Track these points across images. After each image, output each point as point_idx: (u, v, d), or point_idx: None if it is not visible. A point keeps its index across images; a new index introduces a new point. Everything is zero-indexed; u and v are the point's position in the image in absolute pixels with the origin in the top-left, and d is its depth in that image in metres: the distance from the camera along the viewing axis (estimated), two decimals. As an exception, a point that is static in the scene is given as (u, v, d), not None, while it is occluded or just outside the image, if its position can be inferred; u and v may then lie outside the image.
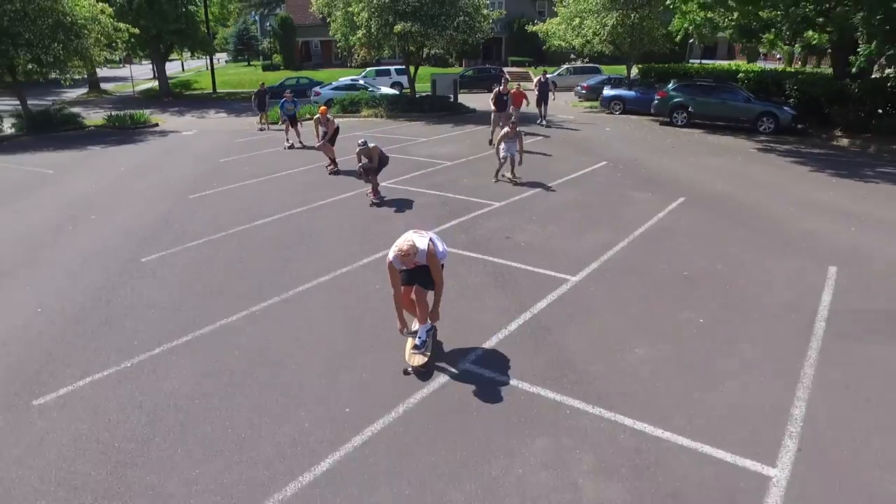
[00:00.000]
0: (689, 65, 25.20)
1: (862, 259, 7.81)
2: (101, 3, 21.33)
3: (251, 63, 60.07)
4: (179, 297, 6.85)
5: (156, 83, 41.42)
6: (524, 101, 17.28)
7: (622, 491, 3.82)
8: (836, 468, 4.00)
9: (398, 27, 19.70)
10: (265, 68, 48.84)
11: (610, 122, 20.79)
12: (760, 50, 23.68)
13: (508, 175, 11.68)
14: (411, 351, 5.19)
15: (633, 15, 21.78)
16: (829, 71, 20.91)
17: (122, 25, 21.62)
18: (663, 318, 6.13)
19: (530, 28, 28.13)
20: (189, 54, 46.82)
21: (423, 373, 5.03)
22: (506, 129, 11.40)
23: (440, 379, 5.04)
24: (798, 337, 5.74)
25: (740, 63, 29.49)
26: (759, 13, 17.70)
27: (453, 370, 5.18)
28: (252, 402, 4.82)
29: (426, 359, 5.12)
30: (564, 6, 24.78)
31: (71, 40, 20.11)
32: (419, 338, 5.19)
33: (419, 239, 5.00)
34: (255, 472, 4.01)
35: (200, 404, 4.80)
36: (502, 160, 11.46)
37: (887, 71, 16.48)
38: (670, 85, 19.96)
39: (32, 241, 9.02)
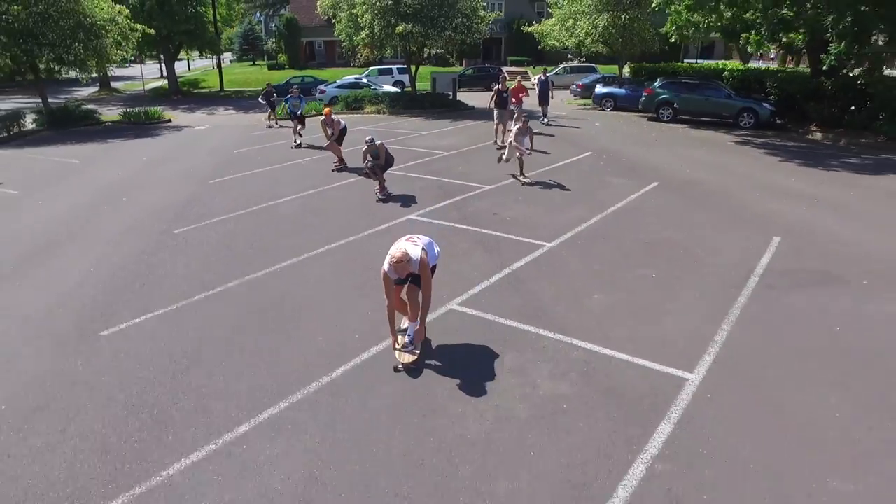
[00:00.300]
0: (679, 64, 26.27)
1: (805, 231, 8.92)
2: (118, 5, 22.48)
3: (256, 63, 61.31)
4: (210, 259, 7.99)
5: (164, 82, 42.67)
6: (524, 94, 17.02)
7: (570, 388, 4.94)
8: (740, 377, 5.12)
9: (400, 28, 20.85)
10: (270, 67, 50.05)
11: (600, 118, 21.91)
12: (749, 50, 24.60)
13: (518, 175, 11.77)
14: (401, 349, 5.33)
15: (623, 16, 22.88)
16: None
17: (138, 26, 22.77)
18: (621, 274, 7.26)
19: (526, 29, 29.23)
20: (197, 54, 47.88)
21: (414, 369, 5.19)
22: (519, 124, 11.55)
23: (433, 314, 6.17)
24: (733, 288, 6.86)
25: (727, 62, 30.52)
26: (741, 16, 18.82)
27: (444, 309, 6.30)
28: (279, 329, 5.96)
29: (415, 357, 5.25)
30: (559, 8, 25.88)
31: (91, 40, 21.27)
32: (408, 335, 5.37)
33: (412, 248, 5.06)
34: (285, 376, 5.14)
35: (238, 331, 5.94)
36: (517, 155, 11.51)
37: (856, 70, 17.49)
38: (657, 83, 21.10)
39: (73, 220, 10.17)
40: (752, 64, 34.92)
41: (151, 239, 8.94)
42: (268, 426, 4.48)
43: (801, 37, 17.73)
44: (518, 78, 19.81)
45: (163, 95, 36.46)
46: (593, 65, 36.07)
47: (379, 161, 10.56)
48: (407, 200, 10.56)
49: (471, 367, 5.26)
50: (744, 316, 6.18)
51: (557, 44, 26.80)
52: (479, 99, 27.36)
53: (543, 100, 20.10)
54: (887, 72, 20.87)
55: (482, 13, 22.46)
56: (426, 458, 4.12)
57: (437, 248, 5.41)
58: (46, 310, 6.59)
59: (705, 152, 15.53)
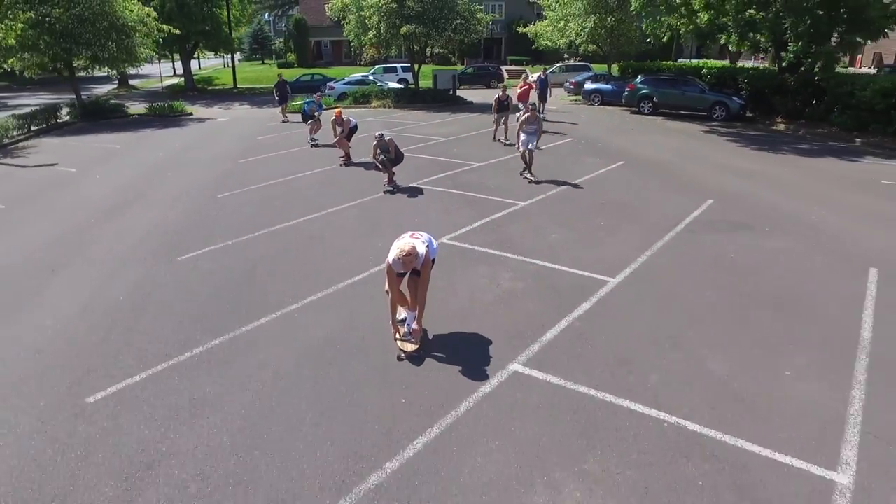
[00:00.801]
0: (665, 63, 28.17)
1: (735, 196, 10.90)
2: (146, 8, 24.57)
3: (265, 61, 63.45)
4: (252, 214, 10.01)
5: (179, 79, 44.77)
6: (530, 92, 17.63)
7: (524, 285, 6.95)
8: (647, 281, 7.10)
9: (404, 29, 22.88)
10: (280, 66, 52.11)
11: (587, 112, 23.89)
12: (730, 48, 26.48)
13: (527, 174, 11.86)
14: (402, 339, 5.51)
15: (609, 18, 24.86)
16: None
17: (164, 27, 24.85)
18: (576, 222, 9.26)
19: (521, 30, 31.23)
20: (206, 53, 49.99)
21: (416, 357, 5.37)
22: (526, 114, 11.71)
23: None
24: (662, 231, 8.85)
25: (707, 61, 32.46)
26: (713, 19, 20.76)
27: (441, 280, 8.30)
28: (313, 254, 7.99)
29: (416, 346, 5.43)
30: (552, 10, 27.87)
31: (122, 40, 23.36)
32: (408, 325, 5.56)
33: (418, 244, 5.26)
34: (321, 280, 7.15)
35: (281, 258, 7.97)
36: (522, 153, 11.69)
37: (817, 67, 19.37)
38: (638, 79, 23.06)
39: (131, 189, 12.21)
40: (746, 63, 36.73)
41: (200, 201, 10.98)
42: (310, 306, 6.51)
43: (765, 37, 19.64)
44: (523, 76, 21.07)
45: (179, 92, 38.52)
46: (587, 64, 38.02)
47: (390, 154, 11.05)
48: (409, 173, 12.57)
49: (455, 273, 7.27)
50: (663, 246, 8.18)
51: (550, 44, 28.79)
52: (478, 95, 29.39)
53: (542, 97, 21.97)
54: (856, 70, 22.75)
55: (479, 15, 24.47)
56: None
57: (436, 244, 5.63)
58: (135, 244, 8.64)
59: (675, 139, 17.50)
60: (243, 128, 21.27)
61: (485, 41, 50.83)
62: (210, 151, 16.38)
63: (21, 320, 6.32)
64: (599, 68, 36.16)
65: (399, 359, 5.33)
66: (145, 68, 54.88)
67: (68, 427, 4.50)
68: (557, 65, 39.66)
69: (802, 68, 19.04)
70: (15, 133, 20.07)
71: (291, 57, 52.87)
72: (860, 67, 52.51)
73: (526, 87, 18.00)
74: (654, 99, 22.29)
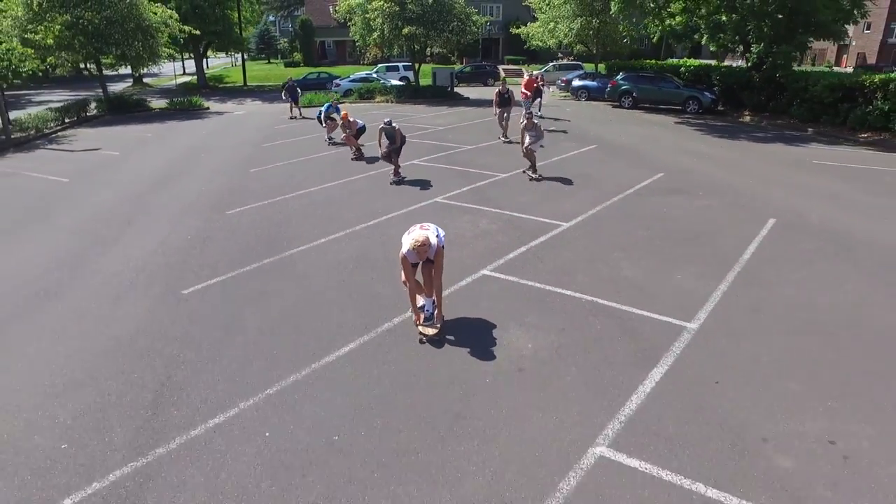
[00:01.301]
0: (647, 61, 30.24)
1: (682, 171, 13.00)
2: (169, 10, 26.73)
3: (270, 61, 65.62)
4: (280, 183, 12.13)
5: (191, 77, 46.89)
6: (532, 87, 18.48)
7: (497, 227, 9.06)
8: (591, 226, 9.20)
9: (406, 30, 25.01)
10: (286, 65, 54.37)
11: (573, 106, 26.01)
12: (711, 49, 28.53)
13: (529, 172, 12.22)
14: (423, 324, 5.81)
15: (594, 21, 26.98)
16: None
17: (186, 28, 27.01)
18: (545, 189, 11.38)
19: (515, 30, 33.33)
20: (221, 53, 52.09)
21: (437, 341, 5.68)
22: (524, 122, 12.11)
23: (420, 203, 10.26)
24: (614, 194, 10.95)
25: (686, 60, 34.55)
26: (686, 21, 22.89)
27: (430, 201, 10.42)
28: (334, 210, 10.11)
29: (437, 330, 5.74)
30: (543, 13, 29.99)
31: (147, 40, 25.51)
32: (426, 310, 5.85)
33: (431, 235, 5.59)
34: (340, 227, 9.27)
35: (308, 210, 10.09)
36: (527, 152, 12.04)
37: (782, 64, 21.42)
38: (619, 76, 25.16)
39: (172, 168, 14.34)
40: (735, 63, 38.75)
41: (235, 175, 13.10)
42: (334, 240, 8.63)
43: (731, 38, 21.75)
44: (528, 74, 22.44)
45: (191, 89, 40.67)
46: (579, 63, 40.12)
47: (395, 144, 11.50)
48: (413, 154, 14.68)
49: (447, 219, 9.37)
50: (612, 204, 10.30)
51: (541, 44, 30.91)
52: (475, 92, 31.53)
53: (537, 94, 24.05)
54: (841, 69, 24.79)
55: (475, 17, 26.61)
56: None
57: (442, 233, 5.87)
58: (188, 204, 10.77)
59: (647, 129, 19.60)
60: (259, 120, 23.39)
61: (483, 41, 52.98)
62: (234, 138, 18.52)
63: (117, 251, 8.45)
64: (590, 67, 38.33)
65: (421, 342, 5.66)
66: (155, 67, 57.60)
67: (174, 304, 6.64)
68: (551, 64, 41.77)
69: (764, 66, 21.12)
70: (53, 124, 22.19)
71: (297, 56, 55.09)
72: (845, 67, 54.62)
73: (530, 79, 18.83)
74: (634, 94, 24.39)
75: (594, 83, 27.98)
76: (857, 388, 4.95)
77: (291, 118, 22.65)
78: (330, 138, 16.98)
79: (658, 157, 14.51)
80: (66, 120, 23.64)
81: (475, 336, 5.81)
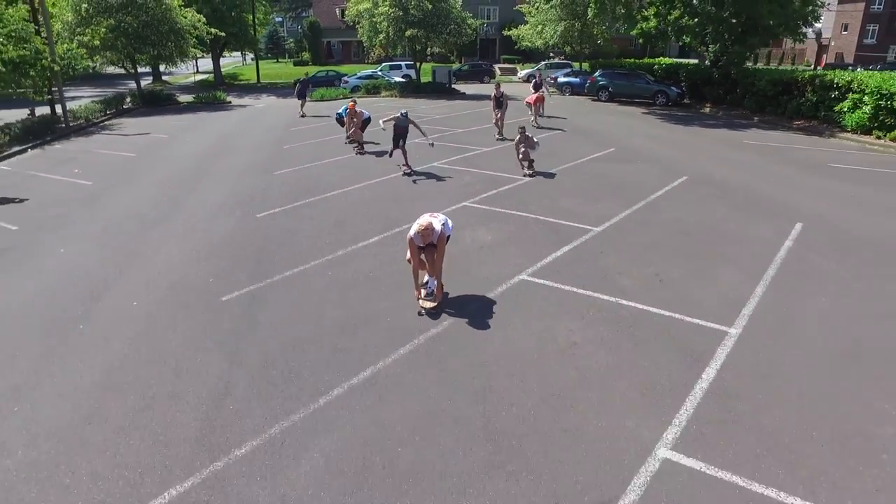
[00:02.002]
0: (625, 60, 33.43)
1: (631, 147, 16.18)
2: (197, 14, 29.98)
3: (279, 60, 68.88)
4: (313, 154, 15.32)
5: (206, 75, 50.11)
6: (540, 101, 20.43)
7: (472, 179, 12.26)
8: (547, 180, 12.39)
9: (408, 32, 28.23)
10: (295, 64, 57.62)
11: (556, 100, 29.15)
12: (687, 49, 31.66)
13: (527, 170, 12.81)
14: (424, 298, 6.49)
15: (576, 23, 30.18)
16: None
17: (213, 30, 30.26)
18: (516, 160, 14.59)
19: (506, 32, 36.55)
20: (235, 52, 55.31)
21: (434, 314, 6.38)
22: (518, 136, 12.83)
23: (423, 167, 13.45)
24: (569, 161, 14.13)
25: (662, 58, 37.75)
26: (656, 25, 26.07)
27: (428, 165, 13.62)
28: (364, 165, 13.31)
29: (435, 304, 6.43)
30: (532, 16, 33.19)
31: (178, 41, 28.75)
32: (428, 287, 6.52)
33: (436, 222, 6.22)
34: (366, 176, 12.47)
35: (337, 169, 13.28)
36: (521, 158, 12.82)
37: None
38: (597, 73, 28.35)
39: (218, 146, 17.54)
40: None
41: (272, 150, 16.32)
42: (357, 190, 11.83)
43: (692, 40, 24.94)
44: (539, 91, 24.30)
45: (209, 86, 43.90)
46: (569, 62, 43.28)
47: (404, 133, 12.81)
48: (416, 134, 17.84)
49: (444, 179, 12.57)
50: (567, 167, 13.49)
51: (530, 44, 34.10)
52: (471, 89, 34.71)
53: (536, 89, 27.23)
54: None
55: (469, 21, 29.82)
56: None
57: (450, 223, 6.47)
58: (242, 168, 13.99)
59: (616, 118, 22.78)
60: (279, 112, 26.63)
61: (481, 41, 56.18)
62: (262, 125, 21.75)
63: (199, 195, 11.67)
64: (578, 65, 41.50)
65: (419, 314, 6.34)
66: (173, 66, 60.98)
67: (253, 221, 9.88)
68: (543, 63, 44.92)
69: (720, 64, 24.32)
70: (99, 114, 25.42)
71: (306, 55, 58.37)
72: (823, 66, 57.63)
73: (539, 96, 20.35)
74: (610, 89, 27.58)
75: (577, 80, 31.17)
76: None
77: (302, 116, 23.26)
78: (348, 137, 16.91)
79: (615, 138, 17.69)
80: (108, 111, 26.89)
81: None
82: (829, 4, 45.20)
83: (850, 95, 18.69)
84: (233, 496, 3.96)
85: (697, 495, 3.92)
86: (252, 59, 75.65)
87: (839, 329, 6.14)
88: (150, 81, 48.06)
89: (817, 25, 61.58)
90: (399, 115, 12.86)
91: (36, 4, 21.69)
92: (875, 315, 6.44)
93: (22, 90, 20.49)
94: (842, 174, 13.23)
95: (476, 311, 6.51)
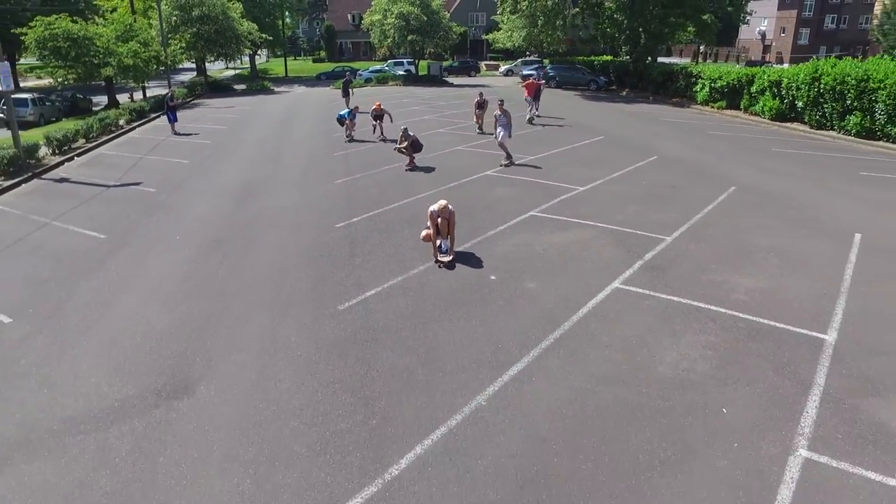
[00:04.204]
0: (575, 57, 43.44)
1: (556, 115, 26.17)
2: (251, 23, 39.99)
3: (296, 58, 78.87)
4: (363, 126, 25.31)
5: (239, 70, 60.03)
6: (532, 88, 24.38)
7: (456, 139, 22.23)
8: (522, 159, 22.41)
9: (409, 37, 38.23)
10: (314, 61, 67.64)
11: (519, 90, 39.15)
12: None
13: (504, 162, 16.21)
14: (441, 254, 8.91)
15: (534, 30, 40.08)
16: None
17: (264, 35, 40.25)
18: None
19: (484, 36, 46.48)
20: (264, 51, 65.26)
21: (451, 266, 8.74)
22: (497, 111, 16.48)
23: (426, 133, 23.36)
24: (525, 129, 24.11)
25: (605, 56, 47.75)
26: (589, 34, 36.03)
27: (428, 133, 23.57)
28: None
29: (450, 258, 8.85)
30: (504, 24, 43.13)
31: (238, 44, 38.72)
32: (443, 248, 8.95)
33: (449, 205, 8.79)
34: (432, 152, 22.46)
35: (372, 156, 23.32)
36: (500, 143, 16.45)
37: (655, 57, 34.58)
38: (548, 66, 38.40)
39: (292, 113, 27.50)
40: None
41: (331, 120, 26.26)
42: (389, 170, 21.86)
43: (614, 41, 34.95)
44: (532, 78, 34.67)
45: (245, 78, 53.74)
46: (541, 60, 53.26)
47: (411, 139, 15.65)
48: (414, 112, 27.79)
49: (434, 141, 22.52)
50: (522, 131, 23.50)
51: (501, 45, 44.08)
52: (459, 80, 44.70)
53: (536, 97, 37.04)
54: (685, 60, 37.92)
55: (454, 29, 39.86)
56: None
57: (451, 206, 8.87)
58: (324, 130, 23.97)
59: (556, 98, 32.67)
60: (318, 95, 36.56)
61: (470, 42, 66.09)
62: (309, 102, 31.74)
63: (297, 149, 21.69)
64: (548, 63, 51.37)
65: (438, 266, 8.69)
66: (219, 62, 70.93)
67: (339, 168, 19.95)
68: (519, 60, 54.89)
69: (630, 59, 34.37)
70: (188, 97, 35.40)
71: (323, 53, 68.40)
72: (765, 63, 67.42)
73: (532, 83, 25.03)
74: (556, 78, 37.60)
75: (534, 72, 41.15)
76: None
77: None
78: (349, 136, 21.10)
79: (558, 112, 27.58)
80: (193, 94, 36.91)
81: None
82: (753, 13, 55.04)
83: (699, 81, 28.72)
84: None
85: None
86: (270, 57, 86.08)
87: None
88: (194, 74, 58.17)
89: (762, 28, 71.78)
90: (402, 130, 16.18)
91: (153, 19, 31.69)
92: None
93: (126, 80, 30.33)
94: (685, 127, 23.18)
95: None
